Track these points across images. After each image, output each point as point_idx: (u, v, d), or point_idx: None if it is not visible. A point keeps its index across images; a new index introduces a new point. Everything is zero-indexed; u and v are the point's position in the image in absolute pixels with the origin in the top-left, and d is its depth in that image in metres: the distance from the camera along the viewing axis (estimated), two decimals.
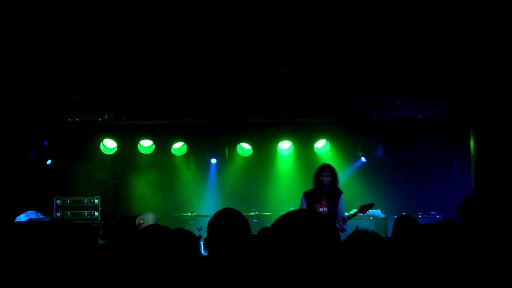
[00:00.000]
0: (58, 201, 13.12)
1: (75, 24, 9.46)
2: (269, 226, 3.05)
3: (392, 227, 7.71)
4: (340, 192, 10.66)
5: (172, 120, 12.97)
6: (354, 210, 10.91)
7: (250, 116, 12.59)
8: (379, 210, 13.00)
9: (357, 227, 4.02)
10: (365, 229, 3.98)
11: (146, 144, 14.03)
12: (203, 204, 13.84)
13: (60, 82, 11.45)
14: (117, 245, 4.28)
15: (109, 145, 13.93)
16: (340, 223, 10.32)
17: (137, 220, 9.48)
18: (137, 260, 3.48)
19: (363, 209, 10.74)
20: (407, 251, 3.99)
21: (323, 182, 10.42)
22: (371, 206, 10.79)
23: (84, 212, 13.16)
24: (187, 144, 14.17)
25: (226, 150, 14.33)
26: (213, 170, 14.47)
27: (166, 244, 3.59)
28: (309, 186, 10.82)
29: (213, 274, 4.06)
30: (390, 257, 4.00)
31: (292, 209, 7.71)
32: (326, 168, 10.58)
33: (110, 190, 12.64)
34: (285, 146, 14.26)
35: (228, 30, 9.68)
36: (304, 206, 10.49)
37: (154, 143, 14.02)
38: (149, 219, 9.20)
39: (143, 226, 9.22)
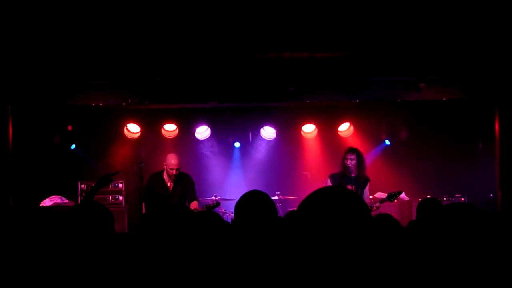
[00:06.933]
0: (82, 186, 13.19)
1: (97, 8, 9.49)
2: (292, 210, 3.04)
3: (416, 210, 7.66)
4: (367, 179, 10.61)
5: (195, 104, 12.96)
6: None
7: (274, 99, 12.55)
8: (403, 193, 12.93)
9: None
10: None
11: (169, 128, 14.03)
12: (227, 188, 13.85)
13: (84, 67, 11.51)
14: (143, 230, 4.29)
15: (132, 129, 13.96)
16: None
17: None
18: (170, 245, 3.48)
19: (390, 197, 10.61)
20: (431, 234, 3.96)
21: (347, 166, 10.39)
22: (398, 194, 10.70)
23: (109, 197, 13.23)
24: (210, 128, 14.15)
25: (250, 134, 14.31)
26: (236, 154, 14.48)
27: (197, 226, 3.60)
28: (333, 170, 10.80)
29: (240, 255, 4.07)
30: (413, 239, 3.98)
31: None
32: (351, 151, 10.55)
33: (134, 174, 12.68)
34: (309, 129, 14.21)
35: (251, 12, 9.65)
36: None
37: (178, 127, 14.01)
38: None
39: None
